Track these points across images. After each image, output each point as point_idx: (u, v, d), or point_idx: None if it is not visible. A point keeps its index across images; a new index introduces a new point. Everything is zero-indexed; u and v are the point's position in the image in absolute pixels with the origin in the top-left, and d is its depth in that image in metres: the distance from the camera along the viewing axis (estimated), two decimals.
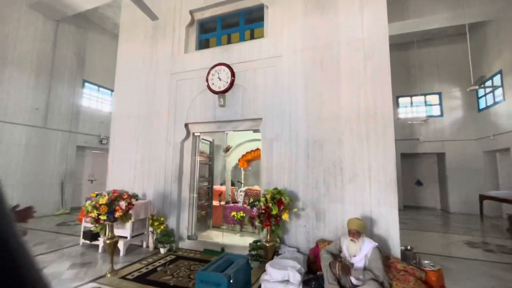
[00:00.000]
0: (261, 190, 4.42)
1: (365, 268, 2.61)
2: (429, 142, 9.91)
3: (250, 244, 4.14)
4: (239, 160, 7.11)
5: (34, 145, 7.43)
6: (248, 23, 5.23)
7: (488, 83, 8.52)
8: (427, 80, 10.18)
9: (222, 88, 4.78)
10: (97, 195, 3.70)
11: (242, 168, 7.36)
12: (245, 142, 6.88)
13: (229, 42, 5.34)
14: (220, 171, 7.79)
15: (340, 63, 4.11)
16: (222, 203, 6.29)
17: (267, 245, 3.65)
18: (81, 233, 4.87)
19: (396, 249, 3.47)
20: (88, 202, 3.52)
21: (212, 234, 5.57)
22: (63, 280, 3.36)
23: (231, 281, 2.70)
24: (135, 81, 5.67)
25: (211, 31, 5.61)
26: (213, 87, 4.85)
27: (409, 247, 3.85)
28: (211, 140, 6.18)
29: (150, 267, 3.83)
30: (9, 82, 6.93)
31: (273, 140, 4.39)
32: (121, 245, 4.29)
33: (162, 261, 4.09)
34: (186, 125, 5.12)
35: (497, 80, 8.13)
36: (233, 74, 4.77)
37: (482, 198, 8.22)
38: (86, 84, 9.23)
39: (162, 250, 4.49)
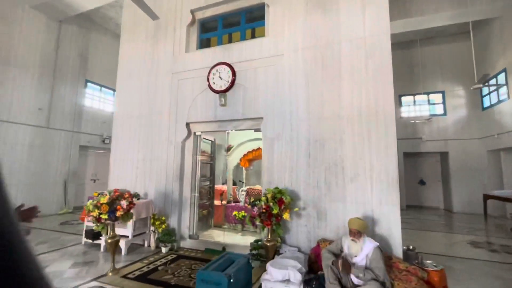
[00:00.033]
0: (262, 190, 4.41)
1: (366, 268, 2.59)
2: (432, 141, 9.83)
3: (251, 243, 4.14)
4: (240, 160, 7.10)
5: (38, 145, 7.49)
6: (249, 22, 5.22)
7: (492, 81, 8.42)
8: (430, 79, 10.10)
9: (223, 88, 4.78)
10: (99, 194, 3.72)
11: (243, 168, 7.36)
12: (246, 141, 6.87)
13: (230, 41, 5.33)
14: (222, 171, 7.80)
15: (341, 62, 4.08)
16: (224, 202, 6.29)
17: (268, 244, 3.64)
18: (83, 232, 4.90)
19: (398, 249, 3.45)
20: (90, 201, 3.54)
21: (214, 233, 5.58)
22: (65, 279, 3.38)
23: (232, 280, 2.70)
24: (137, 81, 5.69)
25: (212, 31, 5.60)
26: (214, 87, 4.85)
27: (411, 247, 3.81)
28: (213, 140, 6.18)
29: (151, 266, 3.85)
30: (13, 82, 6.99)
31: (274, 139, 4.38)
32: (122, 244, 4.31)
33: (163, 260, 4.10)
34: (187, 125, 5.13)
35: (501, 78, 8.03)
36: (234, 73, 4.76)
37: (486, 197, 8.16)
38: (89, 84, 9.28)
39: (164, 249, 4.50)
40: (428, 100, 10.27)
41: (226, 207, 6.05)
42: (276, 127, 4.38)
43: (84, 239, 4.87)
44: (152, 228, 4.81)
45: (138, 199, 4.85)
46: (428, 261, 3.39)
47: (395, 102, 10.08)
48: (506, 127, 7.70)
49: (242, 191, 6.40)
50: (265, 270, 3.17)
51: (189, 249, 4.71)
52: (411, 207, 10.22)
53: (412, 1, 7.46)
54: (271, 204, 3.58)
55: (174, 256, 4.32)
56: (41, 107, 7.62)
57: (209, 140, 6.04)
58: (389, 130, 3.69)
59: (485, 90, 8.82)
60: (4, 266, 0.27)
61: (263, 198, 3.69)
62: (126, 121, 5.66)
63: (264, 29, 4.93)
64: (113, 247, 3.60)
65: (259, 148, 6.51)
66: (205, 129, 5.16)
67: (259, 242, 4.03)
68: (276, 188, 3.85)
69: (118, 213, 3.50)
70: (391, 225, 3.52)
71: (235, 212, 5.67)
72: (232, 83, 4.75)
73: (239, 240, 5.06)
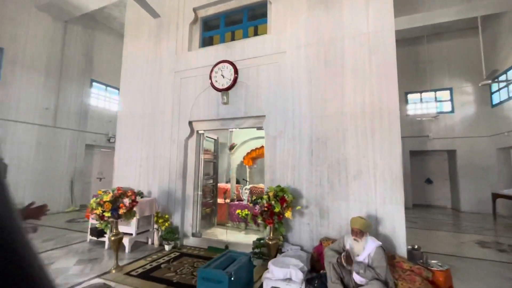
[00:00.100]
0: (265, 188, 4.39)
1: (368, 266, 2.55)
2: (439, 139, 9.64)
3: (253, 242, 4.12)
4: (244, 158, 7.09)
5: (45, 144, 7.62)
6: (252, 20, 5.18)
7: (502, 77, 8.20)
8: (437, 76, 9.90)
9: (225, 86, 4.76)
10: (103, 192, 3.75)
11: (247, 166, 7.34)
12: (249, 139, 6.85)
13: (232, 39, 5.31)
14: (225, 169, 7.80)
15: (345, 59, 4.02)
16: (227, 201, 6.29)
17: (270, 243, 3.63)
18: (89, 230, 4.96)
19: (402, 248, 3.39)
20: (93, 199, 3.58)
21: (217, 231, 5.59)
22: (70, 276, 3.43)
23: (233, 278, 2.70)
24: (140, 80, 5.72)
25: (214, 29, 5.59)
26: (216, 85, 4.84)
27: (416, 247, 3.76)
28: (216, 138, 6.18)
29: (154, 264, 3.87)
30: (20, 82, 7.11)
31: (276, 137, 4.35)
32: (126, 241, 4.35)
33: (166, 258, 4.12)
34: (190, 123, 5.13)
35: (511, 74, 7.82)
36: (236, 71, 4.74)
37: (495, 196, 7.97)
38: (94, 83, 9.39)
39: (167, 247, 4.53)
40: (435, 97, 10.07)
41: (229, 206, 6.05)
42: (279, 125, 4.35)
43: (89, 237, 4.93)
44: (155, 226, 4.84)
45: (141, 197, 4.89)
46: (433, 261, 3.32)
47: (401, 99, 9.96)
48: None
49: (245, 189, 6.39)
50: (267, 269, 3.16)
51: (192, 247, 4.73)
52: (417, 206, 10.06)
53: None
54: (273, 202, 3.56)
55: (177, 254, 4.34)
56: (48, 107, 7.74)
57: (212, 138, 6.04)
58: (393, 128, 3.62)
59: (495, 87, 8.60)
60: (6, 264, 0.28)
61: (265, 196, 3.67)
62: (129, 120, 5.71)
63: (266, 27, 4.89)
64: (116, 245, 3.64)
65: (262, 146, 6.48)
66: (207, 127, 5.16)
67: (262, 241, 4.02)
68: (278, 186, 3.83)
69: (121, 211, 3.52)
70: (395, 224, 3.46)
71: (238, 211, 5.67)
72: (235, 81, 4.73)
73: (242, 239, 5.05)
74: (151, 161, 5.32)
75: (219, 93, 4.84)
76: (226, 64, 4.82)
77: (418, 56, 10.14)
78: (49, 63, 7.82)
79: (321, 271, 3.15)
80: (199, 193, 5.14)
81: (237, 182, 7.35)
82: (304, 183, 4.06)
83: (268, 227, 3.75)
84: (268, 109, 4.46)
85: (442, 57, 9.86)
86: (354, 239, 2.69)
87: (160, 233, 4.75)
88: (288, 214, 3.58)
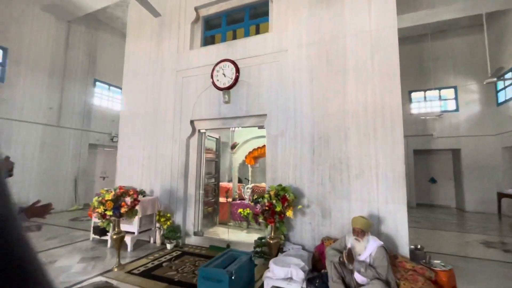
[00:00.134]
0: (266, 187, 4.38)
1: (369, 265, 2.53)
2: (443, 138, 9.54)
3: (255, 241, 4.12)
4: (246, 157, 7.08)
5: (49, 143, 7.69)
6: (253, 19, 5.17)
7: (508, 75, 8.08)
8: (441, 74, 9.78)
9: (227, 85, 4.76)
10: (106, 191, 3.77)
11: (249, 165, 7.34)
12: (251, 139, 6.85)
13: (234, 38, 5.30)
14: (227, 168, 7.80)
15: (347, 57, 3.99)
16: (229, 200, 6.30)
17: (271, 242, 3.62)
18: (91, 228, 5.00)
19: (404, 248, 3.36)
20: (95, 198, 3.60)
21: (219, 230, 5.59)
22: (72, 274, 3.46)
23: (233, 277, 2.69)
24: (142, 79, 5.74)
25: (216, 28, 5.58)
26: (217, 84, 4.84)
27: (419, 246, 3.71)
28: (217, 137, 6.18)
29: (156, 262, 3.89)
30: (24, 82, 7.18)
31: (278, 136, 4.33)
32: (128, 240, 4.37)
33: (168, 257, 4.14)
34: (192, 122, 5.14)
35: None
36: (237, 70, 4.73)
37: (500, 196, 7.87)
38: (97, 83, 9.45)
39: (169, 246, 4.55)
40: (440, 96, 9.96)
41: (231, 205, 6.05)
42: (280, 123, 4.33)
43: (92, 235, 4.97)
44: (157, 224, 4.86)
45: (143, 196, 4.91)
46: (436, 261, 3.29)
47: (405, 98, 9.86)
48: None
49: (247, 188, 6.39)
50: (268, 268, 3.15)
51: (194, 246, 4.74)
52: (421, 206, 9.98)
53: None
54: (274, 201, 3.55)
55: (179, 252, 4.35)
56: (52, 106, 7.81)
57: (214, 137, 6.04)
58: (395, 126, 3.58)
59: (500, 85, 8.48)
60: (5, 265, 0.28)
61: (266, 196, 3.66)
62: (132, 119, 5.73)
63: (268, 25, 4.87)
64: (118, 243, 3.66)
65: (264, 146, 6.47)
66: (209, 126, 5.16)
67: (263, 240, 4.01)
68: (280, 185, 3.82)
69: (123, 210, 3.54)
70: (398, 224, 3.43)
71: (240, 210, 5.67)
72: (236, 80, 4.72)
73: (244, 238, 5.05)
74: (153, 160, 5.34)
75: (221, 92, 4.84)
76: (228, 63, 4.81)
77: (422, 54, 10.04)
78: (53, 63, 7.89)
79: (323, 271, 3.14)
80: (201, 192, 5.15)
81: (239, 181, 7.35)
82: (305, 182, 4.04)
83: (269, 226, 3.74)
84: (269, 108, 4.44)
85: (446, 55, 9.75)
86: (356, 239, 2.67)
87: (162, 232, 4.77)
88: (289, 213, 3.57)
